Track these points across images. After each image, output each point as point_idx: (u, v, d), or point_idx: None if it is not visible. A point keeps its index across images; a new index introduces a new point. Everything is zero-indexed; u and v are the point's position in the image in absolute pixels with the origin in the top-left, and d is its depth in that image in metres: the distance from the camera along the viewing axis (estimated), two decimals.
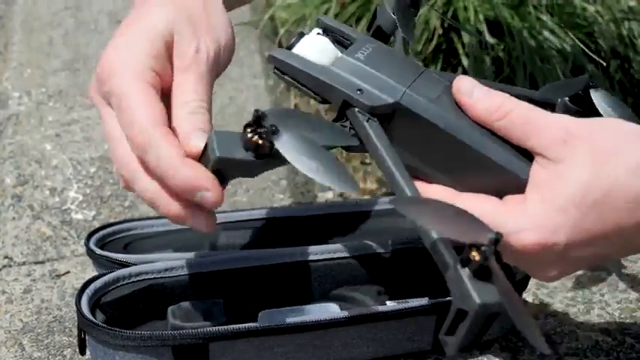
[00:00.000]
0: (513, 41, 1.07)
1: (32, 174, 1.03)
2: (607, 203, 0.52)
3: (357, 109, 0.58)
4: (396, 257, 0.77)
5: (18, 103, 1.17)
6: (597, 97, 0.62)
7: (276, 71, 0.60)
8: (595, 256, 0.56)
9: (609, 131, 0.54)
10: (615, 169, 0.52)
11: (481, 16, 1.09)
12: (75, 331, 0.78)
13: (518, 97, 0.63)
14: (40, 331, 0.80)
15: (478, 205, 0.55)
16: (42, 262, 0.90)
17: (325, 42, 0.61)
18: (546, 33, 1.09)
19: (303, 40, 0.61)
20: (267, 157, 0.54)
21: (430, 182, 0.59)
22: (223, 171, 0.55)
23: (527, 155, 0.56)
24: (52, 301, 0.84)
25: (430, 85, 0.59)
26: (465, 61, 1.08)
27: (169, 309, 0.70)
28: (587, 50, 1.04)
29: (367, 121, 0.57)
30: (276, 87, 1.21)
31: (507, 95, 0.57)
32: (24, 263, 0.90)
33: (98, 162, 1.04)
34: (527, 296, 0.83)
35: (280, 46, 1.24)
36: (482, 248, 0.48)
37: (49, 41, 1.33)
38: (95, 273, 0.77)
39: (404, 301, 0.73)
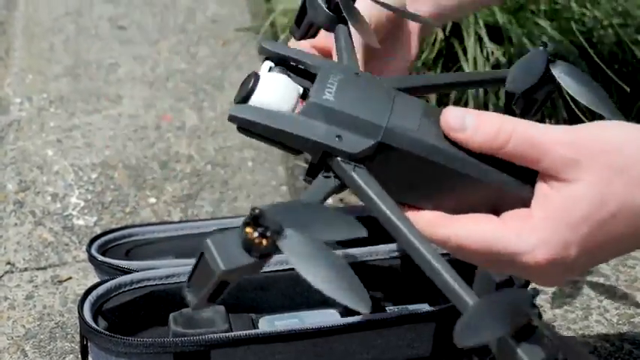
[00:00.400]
0: (512, 46, 1.08)
1: (34, 180, 1.03)
2: (617, 218, 0.53)
3: (339, 159, 0.53)
4: (395, 263, 0.77)
5: (19, 108, 1.17)
6: (558, 71, 0.61)
7: (241, 131, 0.54)
8: (596, 262, 0.57)
9: (615, 141, 0.54)
10: (625, 185, 0.53)
11: (481, 22, 1.09)
12: (77, 337, 0.79)
13: (491, 80, 0.66)
14: (42, 337, 0.81)
15: (478, 227, 0.54)
16: (44, 268, 0.90)
17: (283, 80, 0.55)
18: (545, 38, 1.10)
19: (260, 83, 0.54)
20: (271, 256, 0.48)
21: (418, 209, 0.56)
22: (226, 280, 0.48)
23: (522, 169, 0.55)
24: (54, 307, 0.84)
25: (408, 111, 0.55)
26: (465, 67, 1.08)
27: (171, 315, 0.71)
28: (585, 55, 1.04)
29: (354, 170, 0.53)
30: None
31: (500, 115, 0.55)
32: (26, 269, 0.90)
33: (99, 168, 1.05)
34: None
35: None
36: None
37: (50, 47, 1.33)
38: (97, 279, 0.78)
39: (403, 307, 0.73)
